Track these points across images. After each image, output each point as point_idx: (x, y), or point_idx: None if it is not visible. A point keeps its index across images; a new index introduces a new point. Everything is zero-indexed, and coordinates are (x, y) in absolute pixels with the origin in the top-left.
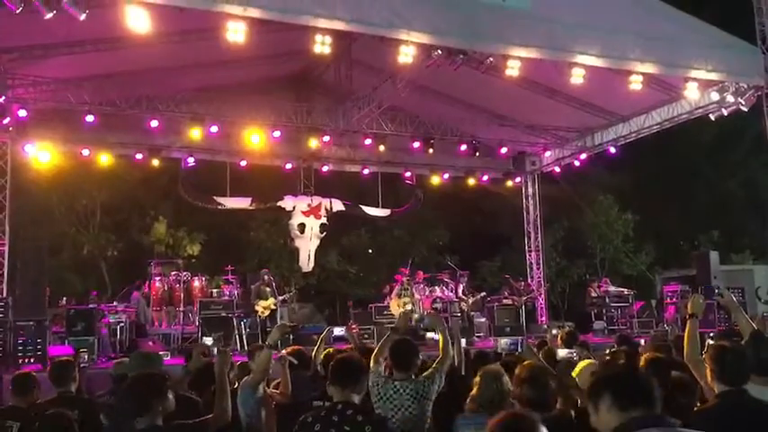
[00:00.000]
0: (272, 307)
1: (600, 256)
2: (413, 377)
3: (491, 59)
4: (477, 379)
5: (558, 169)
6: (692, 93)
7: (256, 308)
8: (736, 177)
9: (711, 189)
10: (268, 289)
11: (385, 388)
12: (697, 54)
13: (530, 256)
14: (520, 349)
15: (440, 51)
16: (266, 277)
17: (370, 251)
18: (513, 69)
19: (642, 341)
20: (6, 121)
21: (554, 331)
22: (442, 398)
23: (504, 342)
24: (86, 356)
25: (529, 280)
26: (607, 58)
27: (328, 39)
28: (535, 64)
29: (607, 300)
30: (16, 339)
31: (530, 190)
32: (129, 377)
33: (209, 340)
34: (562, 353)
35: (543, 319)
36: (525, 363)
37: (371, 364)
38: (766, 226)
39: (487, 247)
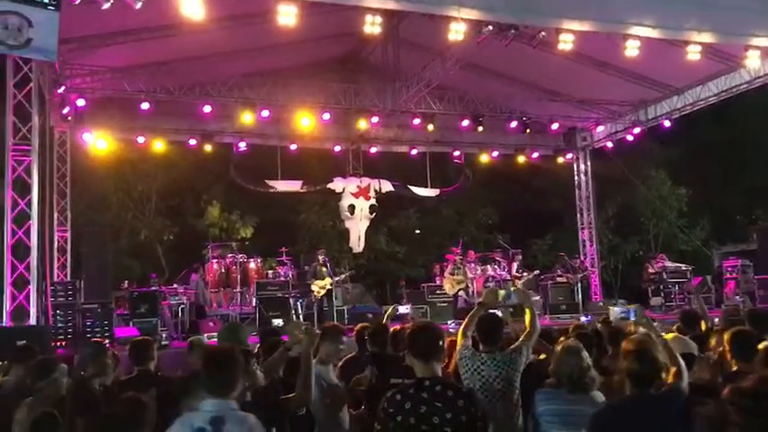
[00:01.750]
0: (328, 287)
1: (653, 233)
2: (500, 350)
3: (543, 34)
4: (557, 354)
5: (610, 144)
6: (753, 61)
7: (312, 287)
8: None
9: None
10: (324, 269)
11: (473, 360)
12: (758, 21)
13: (582, 233)
14: (633, 317)
15: (490, 27)
16: (322, 257)
17: (418, 231)
18: (565, 43)
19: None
20: (66, 110)
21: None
22: (529, 372)
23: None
24: (164, 335)
25: (581, 257)
26: (663, 29)
27: (378, 18)
28: (587, 37)
29: (664, 275)
30: (84, 321)
31: (581, 166)
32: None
33: (278, 321)
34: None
35: (597, 296)
36: (633, 335)
37: (459, 339)
38: None
39: (538, 225)
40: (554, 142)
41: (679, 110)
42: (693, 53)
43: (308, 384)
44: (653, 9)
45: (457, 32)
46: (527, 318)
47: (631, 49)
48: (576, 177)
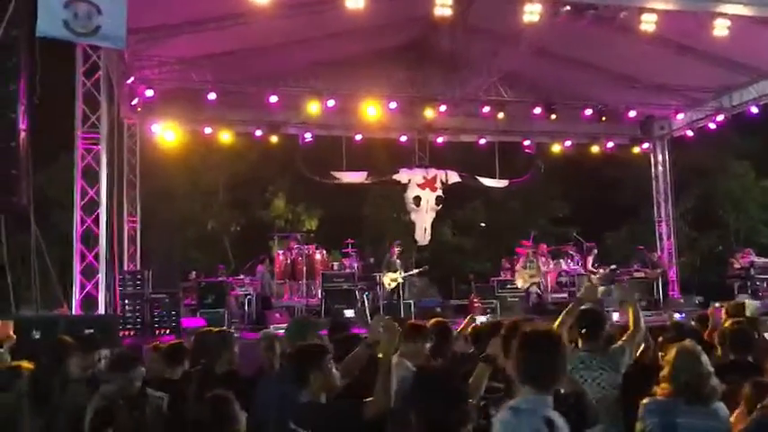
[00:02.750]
0: (400, 280)
1: (734, 227)
2: (601, 349)
3: (624, 13)
4: (670, 357)
5: (690, 133)
6: None
7: (383, 279)
8: None
9: None
10: (398, 261)
11: (571, 360)
12: None
13: (659, 226)
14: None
15: (568, 7)
16: (397, 249)
17: (483, 224)
18: (648, 24)
19: None
20: (134, 102)
21: (716, 304)
22: (630, 375)
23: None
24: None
25: (658, 252)
26: (756, 6)
27: (449, 0)
28: (667, 18)
29: (752, 271)
30: (152, 311)
31: (659, 156)
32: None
33: (349, 312)
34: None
35: (674, 293)
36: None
37: None
38: None
39: (611, 218)
40: (630, 131)
41: None
42: None
43: (387, 388)
44: None
45: (532, 14)
46: (630, 316)
47: (720, 29)
48: (653, 168)
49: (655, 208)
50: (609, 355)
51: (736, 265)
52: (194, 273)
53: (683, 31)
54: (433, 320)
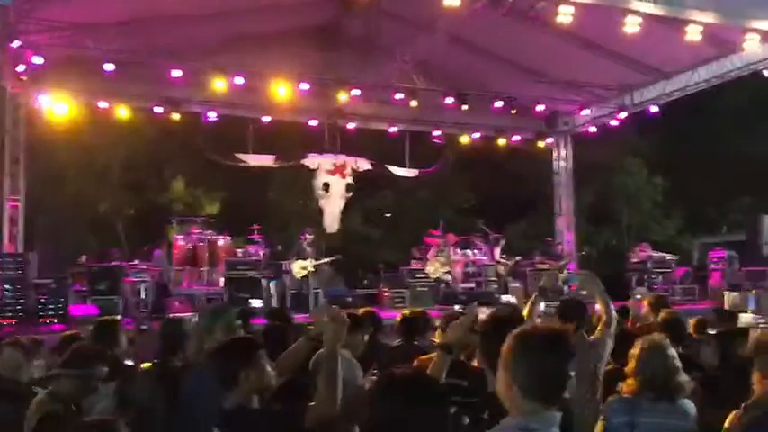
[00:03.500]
0: (310, 268)
1: (626, 222)
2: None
3: (542, 4)
4: (636, 351)
5: (593, 129)
6: (752, 45)
7: (292, 266)
8: (764, 142)
9: (740, 155)
10: (309, 249)
11: None
12: (760, 2)
13: (559, 220)
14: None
15: None
16: (309, 236)
17: (389, 215)
18: (564, 16)
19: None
20: (21, 69)
21: (637, 296)
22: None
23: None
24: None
25: (561, 245)
26: (665, 6)
27: None
28: (579, 13)
29: (649, 265)
30: (37, 298)
31: (562, 151)
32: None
33: (256, 302)
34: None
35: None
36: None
37: None
38: None
39: (512, 210)
40: (536, 126)
41: (667, 95)
42: (693, 33)
43: (334, 389)
44: None
45: None
46: (600, 305)
47: (631, 26)
48: (555, 163)
49: (556, 201)
50: (590, 345)
51: (634, 259)
52: (84, 257)
53: (592, 29)
54: (363, 310)
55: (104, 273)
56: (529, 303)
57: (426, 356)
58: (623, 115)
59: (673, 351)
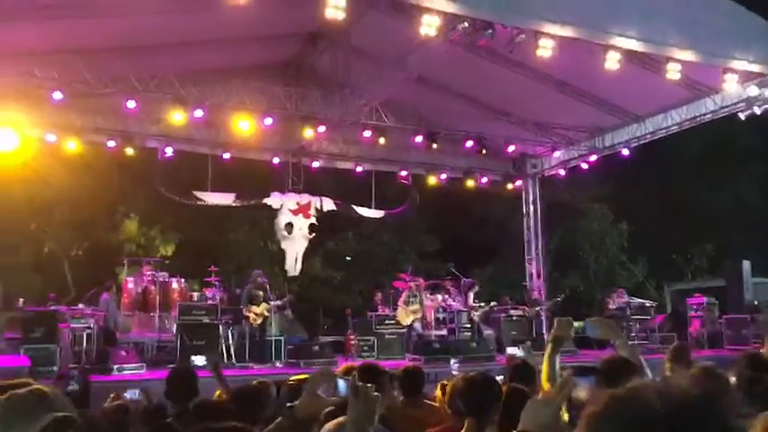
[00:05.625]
0: (266, 314)
1: (594, 268)
2: None
3: (522, 36)
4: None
5: (563, 172)
6: (730, 86)
7: (247, 314)
8: (726, 190)
9: (700, 201)
10: (261, 293)
11: None
12: (739, 43)
13: (530, 265)
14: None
15: (465, 24)
16: (259, 279)
17: (349, 258)
18: (545, 49)
19: None
20: None
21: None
22: None
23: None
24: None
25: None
26: (646, 42)
27: (342, 2)
28: (561, 46)
29: (628, 311)
30: None
31: (531, 194)
32: None
33: (199, 359)
34: None
35: (545, 332)
36: None
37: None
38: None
39: (478, 254)
40: (504, 168)
41: (638, 138)
42: (673, 72)
43: None
44: (637, 21)
45: (429, 26)
46: (625, 355)
47: (611, 62)
48: (524, 206)
49: (525, 246)
50: None
51: (611, 306)
52: (22, 300)
53: (566, 68)
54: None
55: (39, 318)
56: (545, 358)
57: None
58: (594, 158)
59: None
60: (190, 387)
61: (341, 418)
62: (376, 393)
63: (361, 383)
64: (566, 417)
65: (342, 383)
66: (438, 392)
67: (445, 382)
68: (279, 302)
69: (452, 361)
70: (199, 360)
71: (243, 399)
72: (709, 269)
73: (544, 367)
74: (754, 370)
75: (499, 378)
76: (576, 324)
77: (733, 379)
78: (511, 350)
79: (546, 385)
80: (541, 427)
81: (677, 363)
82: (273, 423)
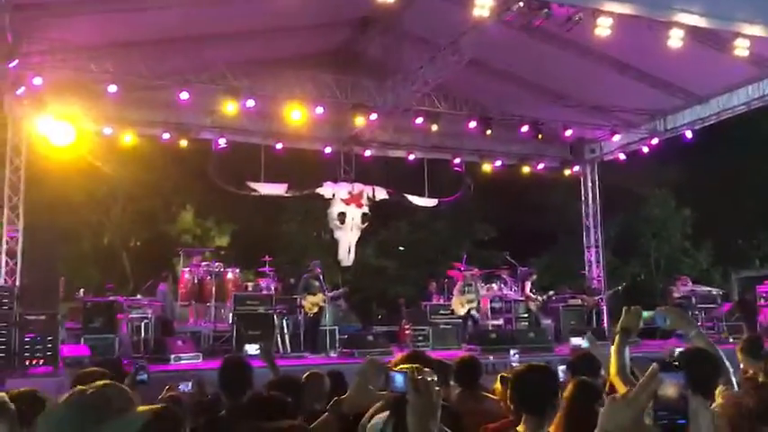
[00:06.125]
0: (321, 304)
1: (654, 255)
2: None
3: (580, 15)
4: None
5: (623, 156)
6: None
7: (303, 303)
8: None
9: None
10: (317, 283)
11: None
12: None
13: (589, 253)
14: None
15: (521, 4)
16: (317, 269)
17: (402, 248)
18: (603, 28)
19: None
20: (20, 91)
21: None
22: None
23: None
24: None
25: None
26: (711, 18)
27: None
28: (619, 25)
29: (693, 300)
30: (23, 336)
31: (589, 180)
32: None
33: (252, 348)
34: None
35: (605, 322)
36: None
37: (620, 388)
38: None
39: (535, 243)
40: (560, 153)
41: (702, 120)
42: (741, 48)
43: None
44: None
45: (482, 7)
46: (701, 346)
47: (675, 40)
48: (582, 192)
49: (584, 233)
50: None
51: (676, 294)
52: (82, 291)
53: (624, 48)
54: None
55: (98, 309)
56: (614, 349)
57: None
58: (655, 141)
59: None
60: (243, 379)
61: (385, 413)
62: (436, 389)
63: (421, 377)
64: (649, 418)
65: (399, 377)
66: (497, 385)
67: (505, 373)
68: (335, 293)
69: (512, 352)
70: (251, 348)
71: (286, 389)
72: None
73: (613, 359)
74: None
75: (561, 368)
76: (644, 314)
77: None
78: (575, 341)
79: (615, 379)
80: (622, 429)
81: (750, 355)
82: (319, 419)
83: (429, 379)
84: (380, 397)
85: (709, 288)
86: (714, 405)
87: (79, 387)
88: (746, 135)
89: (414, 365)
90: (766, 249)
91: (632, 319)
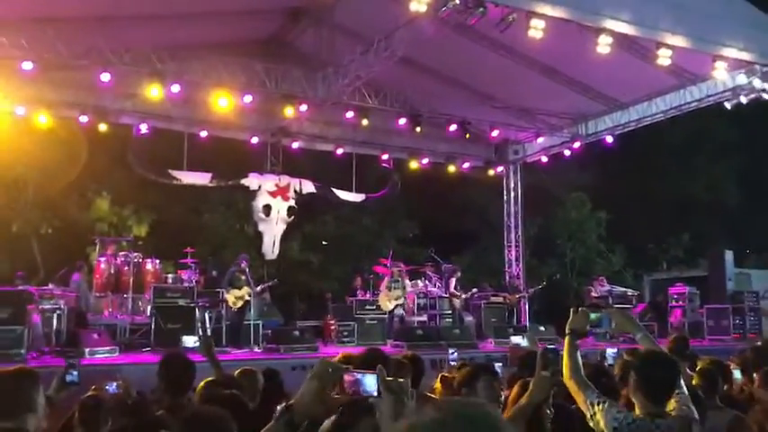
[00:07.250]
0: (246, 297)
1: (570, 256)
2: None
3: (514, 16)
4: None
5: (545, 159)
6: (720, 74)
7: (226, 296)
8: (700, 181)
9: (677, 192)
10: (243, 277)
11: None
12: (729, 30)
13: (509, 252)
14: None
15: (458, 1)
16: (243, 263)
17: (325, 242)
18: (536, 30)
19: None
20: None
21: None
22: None
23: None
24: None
25: (507, 278)
26: (638, 26)
27: None
28: (551, 28)
29: (610, 300)
30: None
31: (512, 181)
32: None
33: (190, 339)
34: None
35: (524, 320)
36: None
37: (578, 394)
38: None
39: (457, 241)
40: (486, 153)
41: (622, 125)
42: (663, 58)
43: None
44: (629, 4)
45: (419, 2)
46: (645, 346)
47: (603, 46)
48: (505, 192)
49: (505, 232)
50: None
51: (594, 294)
52: None
53: (553, 52)
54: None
55: (6, 299)
56: (565, 352)
57: None
58: (577, 145)
59: None
60: (186, 376)
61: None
62: (406, 385)
63: (392, 378)
64: None
65: (369, 378)
66: (438, 384)
67: (446, 374)
68: (264, 286)
69: (450, 350)
70: (189, 341)
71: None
72: (684, 259)
73: (565, 362)
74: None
75: (498, 365)
76: (592, 316)
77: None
78: (515, 339)
79: (569, 381)
80: None
81: (677, 355)
82: (265, 428)
83: (402, 380)
84: (338, 403)
85: (624, 289)
86: (671, 410)
87: None
88: (659, 142)
89: (380, 367)
90: (674, 253)
91: (580, 320)
